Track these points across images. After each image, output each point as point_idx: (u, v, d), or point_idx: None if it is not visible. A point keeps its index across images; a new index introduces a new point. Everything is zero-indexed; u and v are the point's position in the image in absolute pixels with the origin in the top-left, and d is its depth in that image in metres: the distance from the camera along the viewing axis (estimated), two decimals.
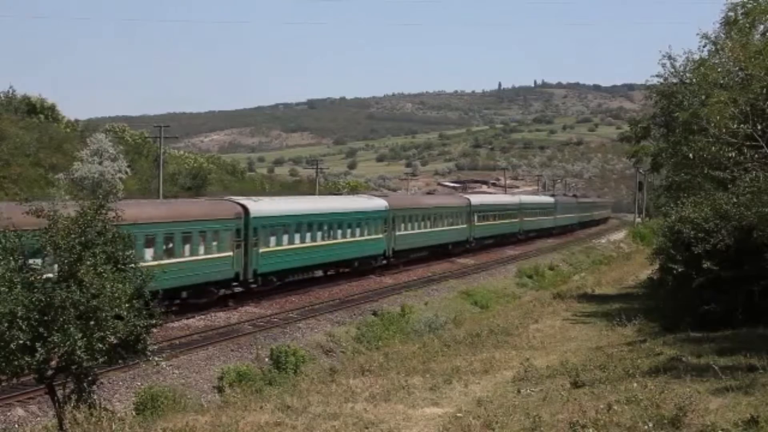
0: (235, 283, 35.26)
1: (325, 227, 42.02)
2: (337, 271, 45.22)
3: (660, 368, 16.22)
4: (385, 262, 48.96)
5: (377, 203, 49.87)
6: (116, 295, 14.60)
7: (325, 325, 32.40)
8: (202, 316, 31.94)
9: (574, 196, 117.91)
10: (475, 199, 69.23)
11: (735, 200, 21.96)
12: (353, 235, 44.79)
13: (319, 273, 44.05)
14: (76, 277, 14.56)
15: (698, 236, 22.50)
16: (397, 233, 50.05)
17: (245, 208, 36.15)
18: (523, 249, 71.48)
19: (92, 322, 14.35)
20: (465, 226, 61.93)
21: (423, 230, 54.41)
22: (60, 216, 15.43)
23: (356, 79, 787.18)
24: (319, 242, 41.37)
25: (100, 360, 14.72)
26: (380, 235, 47.84)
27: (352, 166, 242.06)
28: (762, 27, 25.27)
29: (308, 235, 40.47)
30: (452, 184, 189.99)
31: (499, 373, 18.13)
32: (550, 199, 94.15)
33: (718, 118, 18.41)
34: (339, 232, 43.29)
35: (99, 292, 14.43)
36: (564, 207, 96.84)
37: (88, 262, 14.68)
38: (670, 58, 30.61)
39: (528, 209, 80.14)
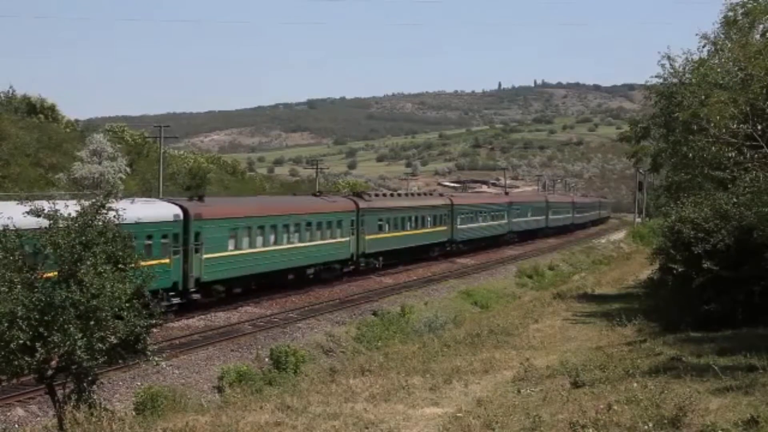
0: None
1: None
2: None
3: (660, 368, 16.22)
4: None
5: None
6: (116, 295, 14.59)
7: (325, 325, 32.39)
8: (202, 316, 31.95)
9: (394, 193, 62.01)
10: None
11: (735, 200, 22.00)
12: None
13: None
14: (76, 277, 14.55)
15: (698, 236, 22.48)
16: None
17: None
18: (523, 249, 71.33)
19: (92, 322, 14.33)
20: None
21: None
22: (60, 216, 15.42)
23: (356, 79, 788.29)
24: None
25: (100, 360, 14.71)
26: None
27: (352, 166, 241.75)
28: (762, 27, 25.30)
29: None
30: (452, 184, 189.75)
31: (499, 373, 18.12)
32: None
33: (718, 118, 18.45)
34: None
35: (99, 292, 14.41)
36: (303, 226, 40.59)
37: (88, 262, 14.67)
38: (669, 58, 30.64)
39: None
